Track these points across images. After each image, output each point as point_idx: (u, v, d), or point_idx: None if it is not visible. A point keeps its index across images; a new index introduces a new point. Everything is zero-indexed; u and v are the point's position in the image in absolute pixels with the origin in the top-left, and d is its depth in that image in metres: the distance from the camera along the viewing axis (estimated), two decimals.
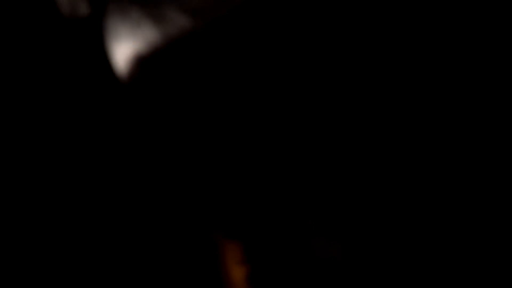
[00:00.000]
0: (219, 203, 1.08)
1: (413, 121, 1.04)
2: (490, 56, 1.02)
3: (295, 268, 1.02)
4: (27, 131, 1.12)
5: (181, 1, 1.07)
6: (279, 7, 1.05)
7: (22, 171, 1.11)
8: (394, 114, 1.04)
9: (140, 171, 1.11)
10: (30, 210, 1.10)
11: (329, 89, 1.06)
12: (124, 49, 1.10)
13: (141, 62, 1.09)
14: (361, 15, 1.04)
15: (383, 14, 1.03)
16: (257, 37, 1.06)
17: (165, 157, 1.11)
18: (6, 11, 1.13)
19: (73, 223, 1.10)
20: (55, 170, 1.12)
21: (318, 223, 1.03)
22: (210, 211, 1.08)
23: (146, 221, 1.10)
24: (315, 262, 1.02)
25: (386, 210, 1.03)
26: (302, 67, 1.06)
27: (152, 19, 1.08)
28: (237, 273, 1.03)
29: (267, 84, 1.07)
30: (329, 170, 1.05)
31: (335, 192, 1.04)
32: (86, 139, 1.12)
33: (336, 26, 1.05)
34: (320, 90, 1.06)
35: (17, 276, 1.08)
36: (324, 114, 1.06)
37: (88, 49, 1.14)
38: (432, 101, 1.03)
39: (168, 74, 1.08)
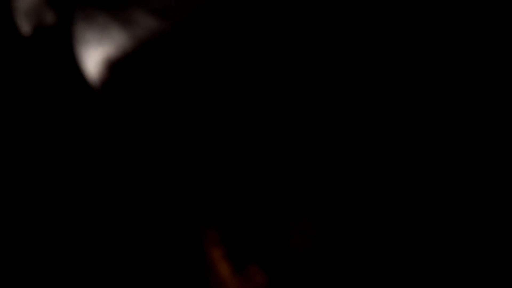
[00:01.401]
0: (194, 191, 1.08)
1: (404, 117, 1.05)
2: (490, 56, 1.03)
3: (268, 242, 1.04)
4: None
5: (148, 3, 1.07)
6: (249, 4, 1.06)
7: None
8: (383, 107, 1.05)
9: (122, 172, 1.11)
10: (27, 211, 1.09)
11: (310, 88, 1.06)
12: (93, 55, 1.09)
13: (111, 67, 1.09)
14: (356, 13, 1.04)
15: (383, 14, 1.04)
16: (227, 35, 1.06)
17: (145, 156, 1.11)
18: None
19: (67, 225, 1.09)
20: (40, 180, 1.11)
21: (290, 201, 1.04)
22: (187, 199, 1.09)
23: (128, 210, 1.10)
24: (287, 234, 1.03)
25: (359, 183, 1.04)
26: (274, 63, 1.06)
27: (120, 22, 1.07)
28: (215, 253, 1.05)
29: (240, 82, 1.07)
30: (303, 150, 1.05)
31: (306, 169, 1.05)
32: (64, 146, 1.12)
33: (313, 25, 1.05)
34: (299, 90, 1.06)
35: (17, 276, 1.08)
36: (305, 106, 1.07)
37: (57, 58, 1.14)
38: (432, 100, 1.04)
39: (139, 77, 1.08)
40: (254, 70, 1.06)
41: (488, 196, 1.02)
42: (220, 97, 1.07)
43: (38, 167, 1.11)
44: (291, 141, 1.06)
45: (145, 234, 1.09)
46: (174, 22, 1.06)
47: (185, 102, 1.08)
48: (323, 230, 1.03)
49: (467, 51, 1.04)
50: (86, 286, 1.08)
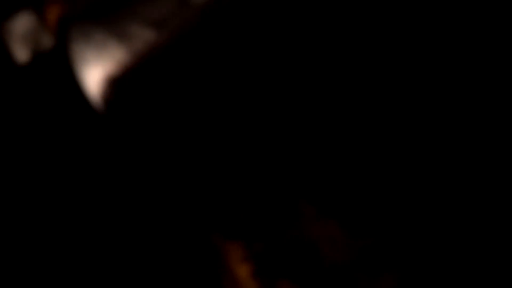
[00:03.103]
0: (216, 205, 1.06)
1: (404, 116, 1.03)
2: (490, 56, 1.02)
3: (298, 255, 1.01)
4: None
5: (143, 15, 1.05)
6: (243, 11, 1.04)
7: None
8: (381, 106, 1.04)
9: (139, 190, 1.09)
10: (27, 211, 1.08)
11: (299, 90, 1.05)
12: (94, 74, 1.08)
13: (113, 83, 1.07)
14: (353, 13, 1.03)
15: (383, 14, 1.03)
16: (223, 42, 1.05)
17: (155, 168, 1.09)
18: None
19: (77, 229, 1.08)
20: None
21: (312, 207, 1.02)
22: (209, 214, 1.07)
23: (149, 225, 1.08)
24: (316, 245, 1.00)
25: (379, 188, 1.02)
26: (276, 71, 1.05)
27: (117, 38, 1.06)
28: (242, 271, 1.02)
29: (242, 90, 1.05)
30: (319, 155, 1.04)
31: (326, 175, 1.03)
32: (72, 169, 1.10)
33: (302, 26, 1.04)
34: (291, 95, 1.05)
35: (17, 276, 1.06)
36: (306, 107, 1.05)
37: (58, 80, 1.12)
38: (431, 100, 1.03)
39: (142, 90, 1.07)
40: (253, 79, 1.05)
41: (488, 196, 1.01)
42: (224, 105, 1.06)
43: (40, 194, 1.10)
44: (314, 149, 1.05)
45: (169, 251, 1.07)
46: (171, 32, 1.05)
47: (189, 110, 1.06)
48: (351, 236, 1.00)
49: (467, 51, 1.03)
50: None
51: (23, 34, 1.12)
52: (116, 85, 1.07)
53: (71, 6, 1.09)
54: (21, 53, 1.12)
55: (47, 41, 1.12)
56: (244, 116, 1.06)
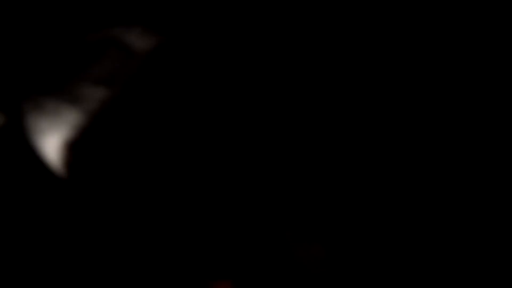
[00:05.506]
0: (202, 245, 1.06)
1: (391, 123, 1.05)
2: (490, 56, 1.04)
3: (286, 281, 1.00)
4: None
5: (90, 76, 1.07)
6: (186, 54, 1.07)
7: None
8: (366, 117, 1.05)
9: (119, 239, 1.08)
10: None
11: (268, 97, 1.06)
12: (51, 142, 1.09)
13: (71, 148, 1.08)
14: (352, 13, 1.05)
15: (383, 13, 1.05)
16: (172, 86, 1.07)
17: (124, 221, 1.08)
18: None
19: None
20: None
21: (295, 231, 1.02)
22: (196, 254, 1.06)
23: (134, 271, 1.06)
24: (302, 266, 1.00)
25: (362, 207, 1.03)
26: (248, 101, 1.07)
27: (70, 102, 1.07)
28: None
29: (203, 137, 1.07)
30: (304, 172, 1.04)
31: (307, 198, 1.04)
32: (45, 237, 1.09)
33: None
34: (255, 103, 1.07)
35: (17, 276, 1.03)
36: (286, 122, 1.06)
37: (15, 156, 1.12)
38: (431, 100, 1.04)
39: (102, 149, 1.07)
40: (209, 124, 1.06)
41: (488, 196, 1.02)
42: (185, 152, 1.07)
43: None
44: (300, 167, 1.05)
45: None
46: (122, 87, 1.06)
47: (152, 159, 1.07)
48: (335, 253, 1.00)
49: (467, 51, 1.05)
50: None
51: None
52: (74, 149, 1.08)
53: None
54: None
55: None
56: (207, 164, 1.07)
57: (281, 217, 1.03)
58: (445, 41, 1.05)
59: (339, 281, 1.00)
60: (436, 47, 1.05)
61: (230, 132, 1.06)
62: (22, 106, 1.10)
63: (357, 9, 1.05)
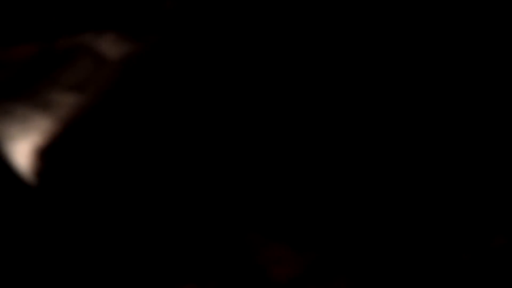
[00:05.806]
0: (167, 249, 1.05)
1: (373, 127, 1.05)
2: (490, 56, 1.04)
3: (250, 282, 1.00)
4: None
5: (62, 82, 1.06)
6: (160, 60, 1.06)
7: None
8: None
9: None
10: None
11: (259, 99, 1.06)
12: (21, 149, 1.07)
13: (42, 155, 1.06)
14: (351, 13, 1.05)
15: (383, 13, 1.04)
16: (144, 93, 1.06)
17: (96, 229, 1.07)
18: None
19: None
20: None
21: (260, 232, 1.02)
22: (161, 258, 1.05)
23: None
24: (267, 268, 1.00)
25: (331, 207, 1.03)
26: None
27: (40, 108, 1.06)
28: None
29: (176, 144, 1.06)
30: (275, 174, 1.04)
31: (271, 202, 1.03)
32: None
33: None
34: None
35: (17, 276, 1.02)
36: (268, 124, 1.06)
37: None
38: (431, 101, 1.04)
39: (73, 156, 1.06)
40: (182, 134, 1.06)
41: (488, 196, 1.02)
42: (156, 160, 1.06)
43: None
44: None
45: None
46: (93, 93, 1.05)
47: (124, 166, 1.06)
48: (300, 253, 1.00)
49: (467, 51, 1.05)
50: None
51: None
52: (45, 155, 1.06)
53: None
54: None
55: None
56: (180, 171, 1.06)
57: (245, 218, 1.02)
58: (445, 41, 1.05)
59: (305, 282, 0.99)
60: (436, 47, 1.05)
61: (199, 136, 1.06)
62: None
63: (357, 9, 1.05)
